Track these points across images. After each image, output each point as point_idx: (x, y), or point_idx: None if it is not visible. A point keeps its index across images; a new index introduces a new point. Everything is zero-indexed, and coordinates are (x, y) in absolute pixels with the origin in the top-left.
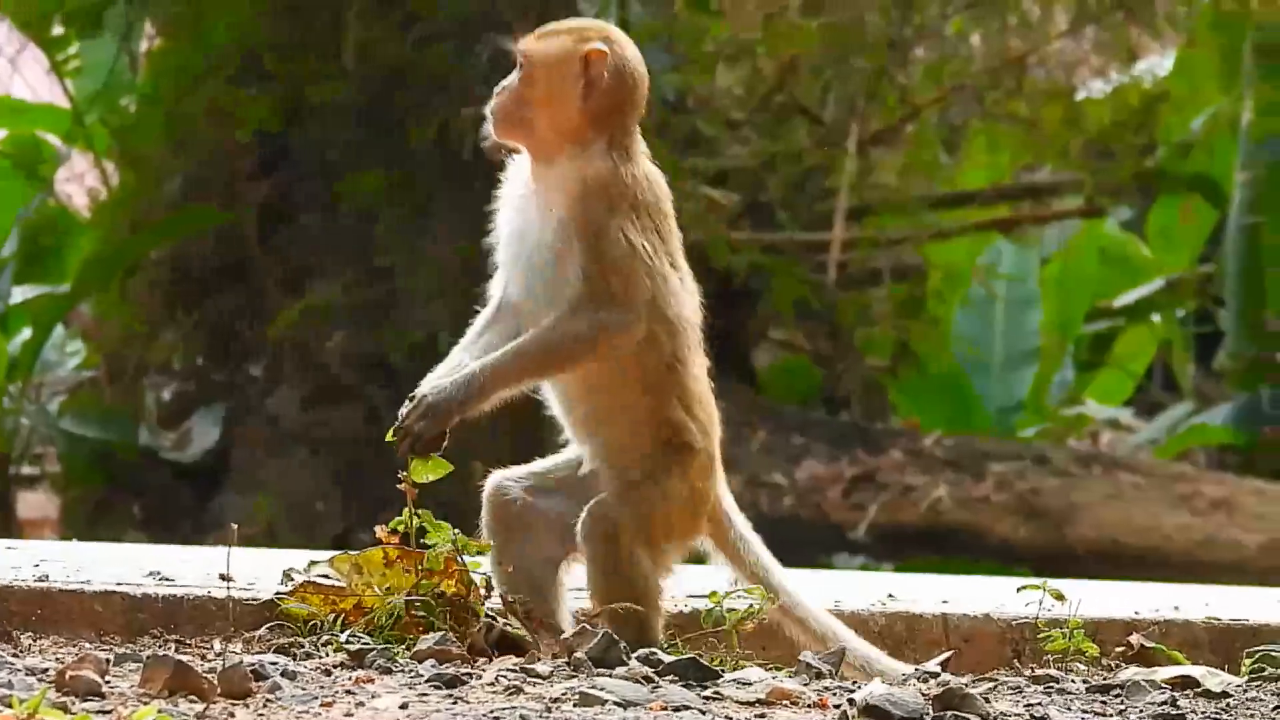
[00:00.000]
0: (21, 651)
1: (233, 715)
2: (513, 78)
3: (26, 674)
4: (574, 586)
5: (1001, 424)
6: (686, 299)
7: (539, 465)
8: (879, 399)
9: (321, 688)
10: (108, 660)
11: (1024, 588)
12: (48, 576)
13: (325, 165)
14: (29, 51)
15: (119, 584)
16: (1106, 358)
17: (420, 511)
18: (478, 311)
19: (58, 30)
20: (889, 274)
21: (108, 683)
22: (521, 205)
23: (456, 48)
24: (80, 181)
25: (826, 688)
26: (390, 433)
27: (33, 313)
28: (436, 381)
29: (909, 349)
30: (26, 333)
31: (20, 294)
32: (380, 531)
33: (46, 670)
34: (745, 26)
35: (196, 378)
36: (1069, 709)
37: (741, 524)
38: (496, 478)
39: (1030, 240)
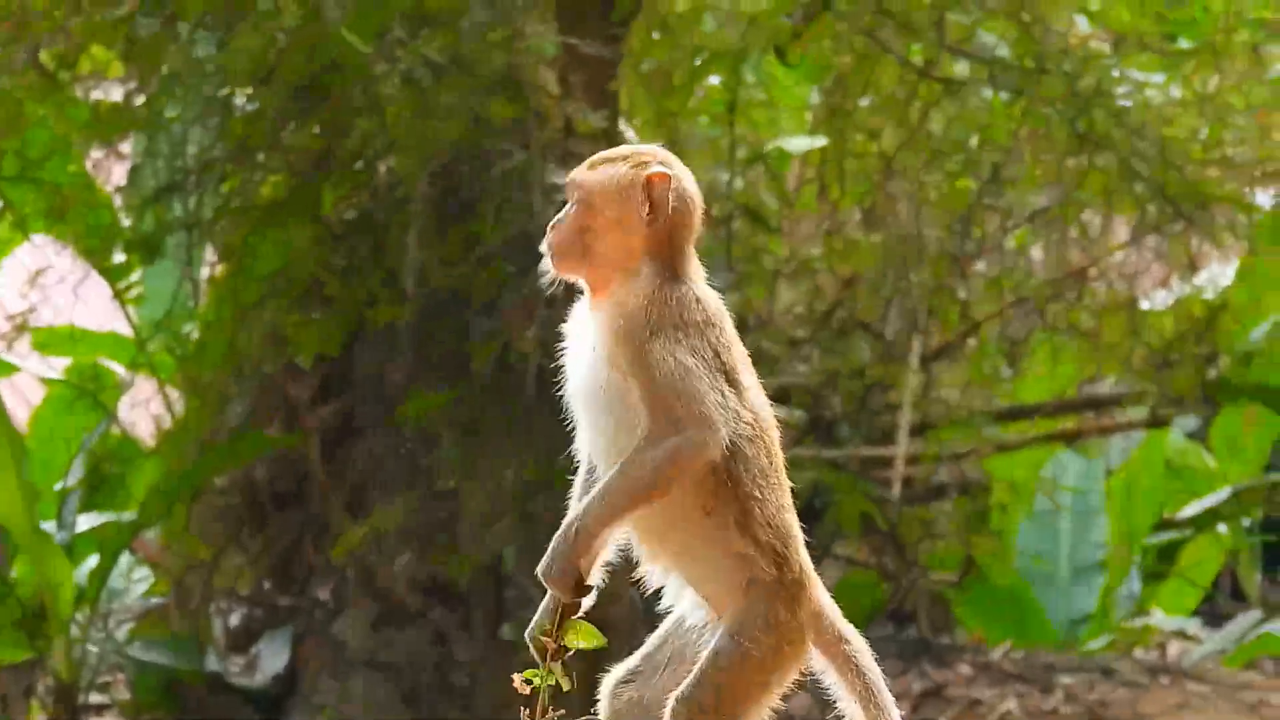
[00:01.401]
0: None
1: None
2: (567, 211)
3: None
4: None
5: (1068, 636)
6: (746, 413)
7: (649, 644)
8: (945, 613)
9: None
10: None
11: None
12: None
13: (385, 387)
14: (91, 279)
15: None
16: (1173, 569)
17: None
18: (540, 534)
19: (119, 258)
20: (953, 488)
21: None
22: (575, 350)
23: (517, 269)
24: (144, 408)
25: None
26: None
27: (99, 541)
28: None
29: (974, 563)
30: (93, 561)
31: (86, 522)
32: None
33: None
34: (804, 243)
35: (263, 602)
36: None
37: (851, 633)
38: (610, 679)
39: (1094, 452)
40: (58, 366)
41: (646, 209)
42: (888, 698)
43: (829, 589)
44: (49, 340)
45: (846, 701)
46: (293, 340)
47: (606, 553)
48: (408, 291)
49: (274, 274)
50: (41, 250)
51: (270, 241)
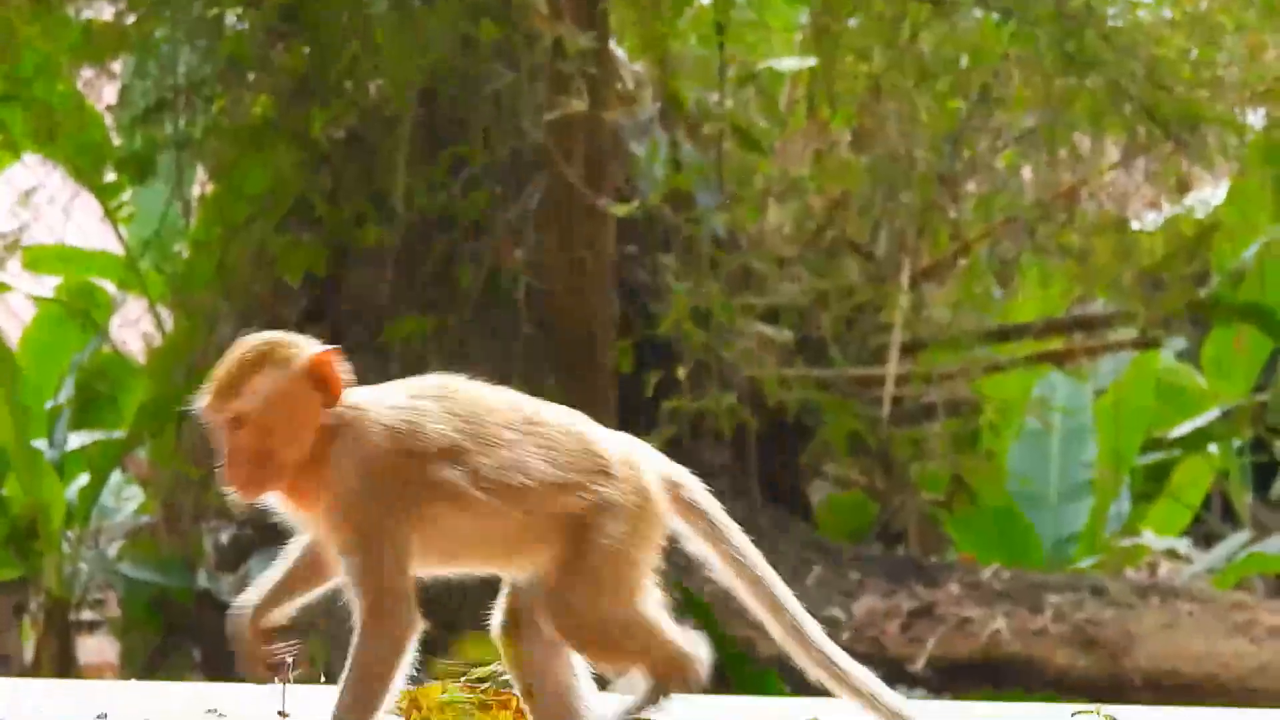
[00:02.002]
0: None
1: None
2: (230, 442)
3: None
4: None
5: (1058, 556)
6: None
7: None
8: (935, 533)
9: None
10: None
11: (1079, 713)
12: (106, 716)
13: (372, 309)
14: (82, 198)
15: None
16: (1163, 489)
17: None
18: None
19: (110, 177)
20: (942, 408)
21: None
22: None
23: (504, 191)
24: (135, 327)
25: None
26: None
27: (89, 459)
28: None
29: (964, 483)
30: (84, 479)
31: (76, 440)
32: (440, 667)
33: None
34: (794, 163)
35: (253, 522)
36: None
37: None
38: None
39: (1084, 373)
40: (49, 285)
41: (318, 399)
42: (765, 569)
43: (819, 507)
44: (40, 258)
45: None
46: (280, 260)
47: None
48: (395, 213)
49: (262, 194)
50: (32, 169)
51: (259, 162)
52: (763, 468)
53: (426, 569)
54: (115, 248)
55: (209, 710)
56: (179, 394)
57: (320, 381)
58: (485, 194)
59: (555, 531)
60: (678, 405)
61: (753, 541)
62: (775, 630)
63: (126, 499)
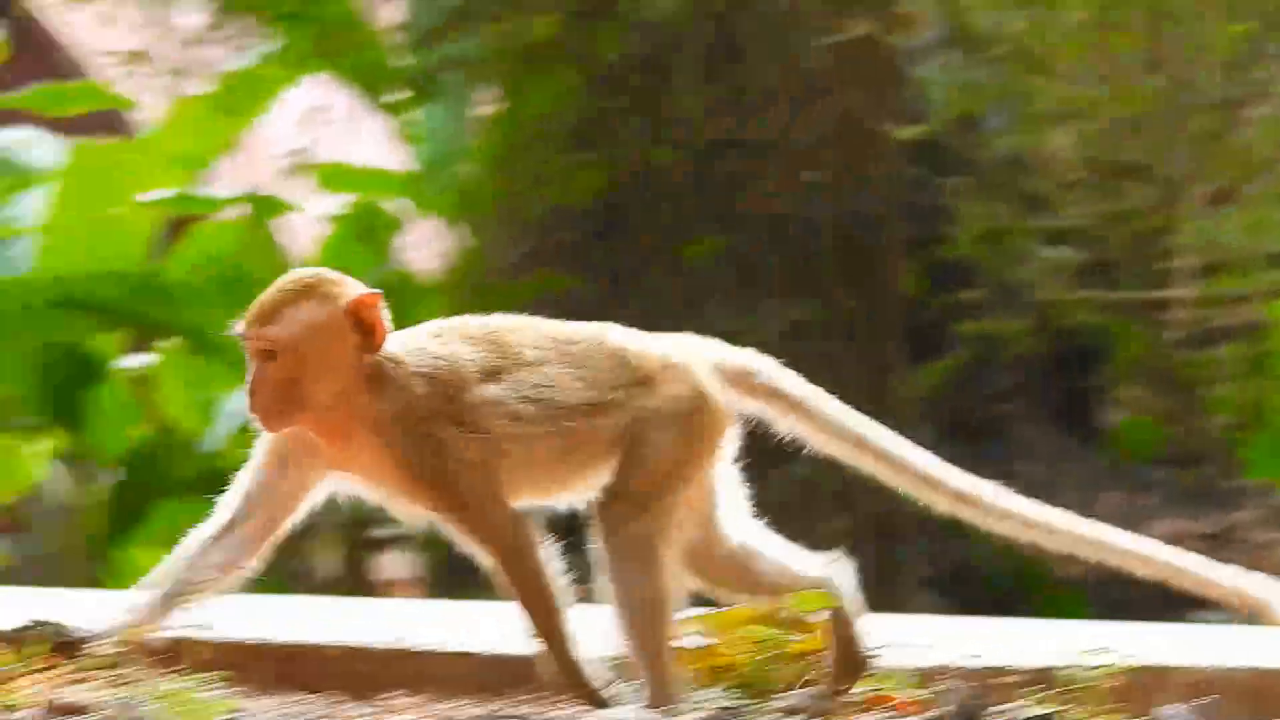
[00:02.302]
0: (380, 713)
1: None
2: (259, 369)
3: None
4: None
5: None
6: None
7: None
8: (1229, 457)
9: None
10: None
11: None
12: (403, 637)
13: (657, 232)
14: (370, 117)
15: (474, 645)
16: None
17: None
18: (820, 377)
19: (398, 95)
20: (1234, 332)
21: None
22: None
23: (789, 114)
24: (424, 247)
25: None
26: None
27: None
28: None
29: (1258, 406)
30: None
31: None
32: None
33: None
34: (1082, 85)
35: None
36: None
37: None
38: None
39: None
40: (337, 204)
41: (358, 340)
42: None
43: (1111, 431)
44: (328, 177)
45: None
46: (565, 182)
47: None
48: (681, 135)
49: (547, 115)
50: (320, 87)
51: (544, 83)
52: (1054, 392)
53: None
54: (403, 167)
55: (504, 632)
56: (467, 313)
57: (361, 324)
58: (770, 117)
59: (607, 453)
60: (967, 329)
61: (1044, 467)
62: (889, 476)
63: None
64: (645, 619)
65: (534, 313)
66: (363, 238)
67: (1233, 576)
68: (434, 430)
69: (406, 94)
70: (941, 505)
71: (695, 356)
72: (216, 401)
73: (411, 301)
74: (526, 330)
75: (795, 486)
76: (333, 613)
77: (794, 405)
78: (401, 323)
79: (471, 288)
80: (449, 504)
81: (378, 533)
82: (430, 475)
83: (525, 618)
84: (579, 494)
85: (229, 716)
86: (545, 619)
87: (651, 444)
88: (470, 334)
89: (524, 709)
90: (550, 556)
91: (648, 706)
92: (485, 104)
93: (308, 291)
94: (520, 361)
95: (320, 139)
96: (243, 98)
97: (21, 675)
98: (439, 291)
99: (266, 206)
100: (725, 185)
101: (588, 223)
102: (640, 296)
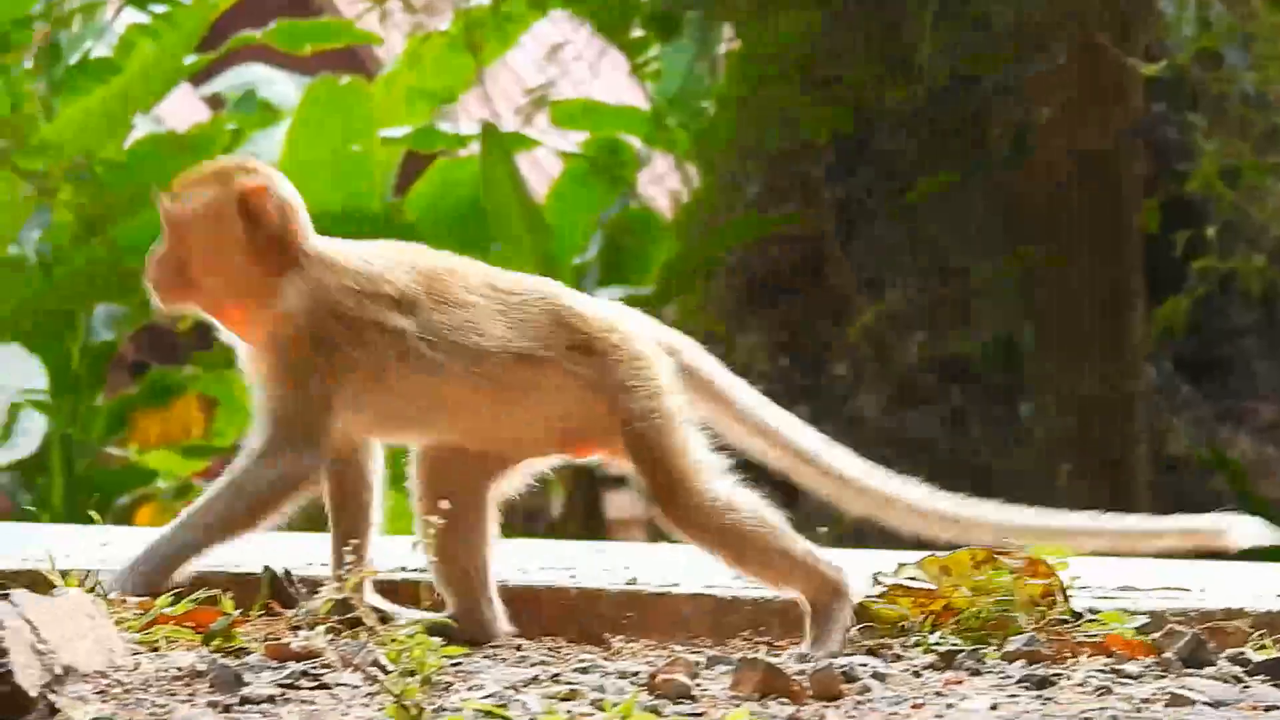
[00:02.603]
0: (612, 655)
1: (823, 717)
2: (160, 243)
3: (618, 677)
4: None
5: None
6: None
7: None
8: None
9: (911, 689)
10: (698, 663)
11: None
12: (636, 580)
13: (898, 167)
14: (609, 55)
15: (708, 586)
16: None
17: None
18: (1050, 312)
19: (637, 33)
20: None
21: (698, 685)
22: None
23: (1033, 48)
24: (661, 184)
25: None
26: None
27: None
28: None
29: None
30: None
31: (605, 296)
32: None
33: (637, 674)
34: None
35: (780, 379)
36: None
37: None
38: None
39: None
40: (575, 141)
41: (242, 228)
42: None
43: None
44: (567, 114)
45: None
46: (806, 119)
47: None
48: (919, 72)
49: (787, 52)
50: (560, 25)
51: (785, 20)
52: None
53: (384, 434)
54: (641, 104)
55: (739, 574)
56: (704, 251)
57: (248, 213)
58: (1010, 54)
59: (556, 411)
60: (1206, 265)
61: (1277, 406)
62: (803, 475)
63: None
64: (763, 551)
65: (768, 247)
66: (600, 174)
67: (1173, 521)
68: (317, 326)
69: (646, 32)
70: (856, 507)
71: (635, 326)
72: None
73: (649, 237)
74: (469, 274)
75: (1026, 432)
76: (565, 555)
77: (711, 393)
78: (639, 257)
79: (706, 224)
80: (278, 379)
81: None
82: (287, 349)
83: (202, 506)
84: (515, 445)
85: (458, 660)
86: (210, 525)
87: (646, 424)
88: (409, 263)
89: (761, 650)
90: (285, 496)
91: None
92: (724, 42)
93: (214, 176)
94: (444, 300)
95: (560, 76)
96: (484, 35)
97: (249, 620)
98: (675, 229)
99: (506, 142)
100: (961, 121)
101: (823, 160)
102: (872, 234)
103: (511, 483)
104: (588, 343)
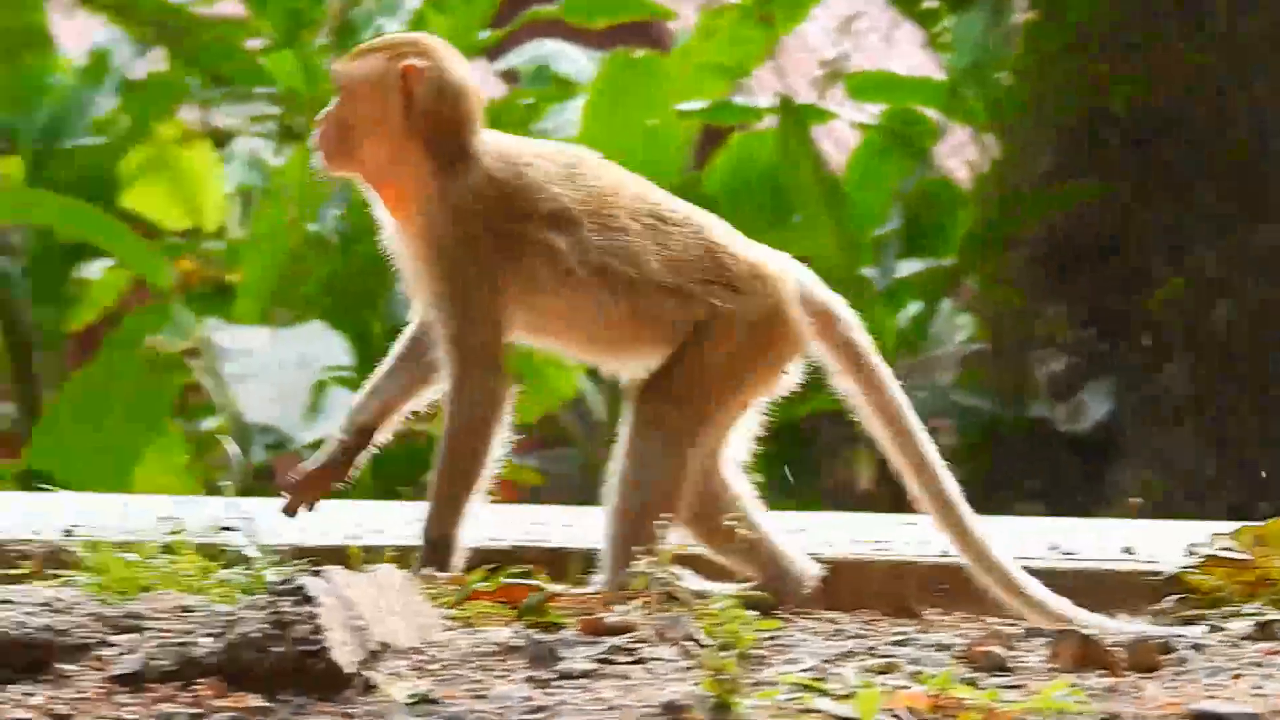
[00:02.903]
0: (926, 627)
1: (1141, 689)
2: (330, 107)
3: (935, 649)
4: None
5: None
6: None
7: None
8: None
9: (1229, 660)
10: (1014, 635)
11: None
12: (948, 552)
13: (1195, 137)
14: (904, 26)
15: (1021, 558)
16: None
17: None
18: None
19: (930, 3)
20: None
21: (1014, 657)
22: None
23: None
24: (959, 154)
25: None
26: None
27: (919, 286)
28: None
29: None
30: (914, 307)
31: (906, 268)
32: None
33: (952, 646)
34: None
35: (1084, 350)
36: None
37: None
38: None
39: None
40: (872, 113)
41: (401, 104)
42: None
43: None
44: (862, 86)
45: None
46: (1101, 90)
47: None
48: (1214, 37)
49: (1086, 20)
50: None
51: None
52: None
53: (520, 338)
54: (937, 74)
55: (1051, 546)
56: (1004, 220)
57: (408, 91)
58: None
59: (669, 337)
60: None
61: None
62: (914, 487)
63: (958, 327)
64: (639, 505)
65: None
66: (898, 145)
67: None
68: (475, 231)
69: (941, 2)
70: (936, 525)
71: (787, 275)
72: None
73: (948, 208)
74: (633, 195)
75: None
76: (875, 528)
77: (862, 368)
78: (939, 229)
79: (1003, 195)
80: (443, 299)
81: None
82: (448, 265)
83: (439, 459)
84: (628, 365)
85: (773, 634)
86: (453, 470)
87: (715, 344)
88: (573, 173)
89: None
90: (499, 414)
91: (597, 590)
92: (1018, 11)
93: (387, 48)
94: (603, 223)
95: (854, 48)
96: (780, 6)
97: (562, 595)
98: (974, 199)
99: (803, 115)
100: (1267, 90)
101: (1121, 130)
102: (1173, 205)
103: (735, 448)
104: (734, 281)
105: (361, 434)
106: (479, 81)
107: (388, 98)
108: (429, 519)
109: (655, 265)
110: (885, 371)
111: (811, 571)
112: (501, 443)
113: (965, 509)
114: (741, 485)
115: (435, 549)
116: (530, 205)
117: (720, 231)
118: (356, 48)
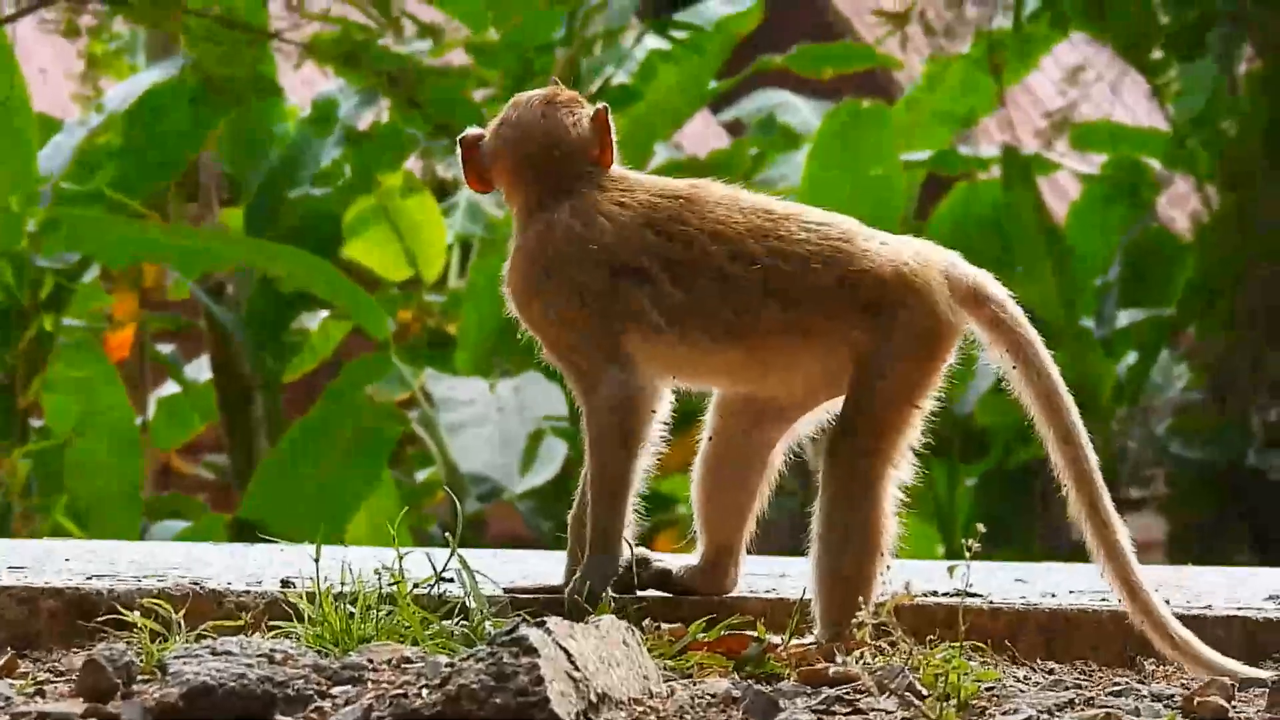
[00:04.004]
0: (1145, 677)
1: None
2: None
3: (1152, 700)
4: None
5: None
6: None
7: None
8: None
9: None
10: (1233, 685)
11: None
12: (1168, 602)
13: None
14: (1129, 76)
15: (1240, 608)
16: None
17: None
18: None
19: (1157, 54)
20: None
21: (1234, 708)
22: None
23: None
24: (1182, 204)
25: None
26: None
27: (1138, 336)
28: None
29: None
30: (1132, 356)
31: (1126, 317)
32: None
33: (1172, 696)
34: None
35: None
36: None
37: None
38: None
39: None
40: (1095, 163)
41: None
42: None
43: None
44: (1087, 136)
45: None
46: None
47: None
48: None
49: None
50: (1079, 47)
51: None
52: None
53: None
54: (1162, 125)
55: (1269, 596)
56: (1227, 270)
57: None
58: None
59: (825, 368)
60: None
61: None
62: (1058, 461)
63: (1175, 376)
64: (847, 553)
65: None
66: (1121, 195)
67: None
68: (564, 271)
69: (1168, 52)
70: (1073, 509)
71: (931, 267)
72: (972, 361)
73: (1170, 258)
74: (743, 226)
75: None
76: (1087, 579)
77: (1016, 344)
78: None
79: (1230, 246)
80: (556, 329)
81: (1131, 493)
82: (548, 297)
83: (587, 490)
84: (799, 400)
85: (994, 684)
86: (603, 495)
87: (884, 380)
88: (681, 212)
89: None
90: (642, 446)
91: (816, 641)
92: (1245, 61)
93: (561, 98)
94: (710, 267)
95: (1080, 98)
96: (1006, 57)
97: (781, 646)
98: (1197, 249)
99: (1027, 165)
100: None
101: None
102: None
103: (794, 437)
104: (876, 302)
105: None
106: (710, 135)
107: (498, 132)
108: (593, 546)
109: (775, 309)
110: (1038, 346)
111: (736, 580)
112: (645, 447)
113: (1107, 501)
114: (771, 475)
115: (599, 578)
116: (609, 256)
117: (856, 236)
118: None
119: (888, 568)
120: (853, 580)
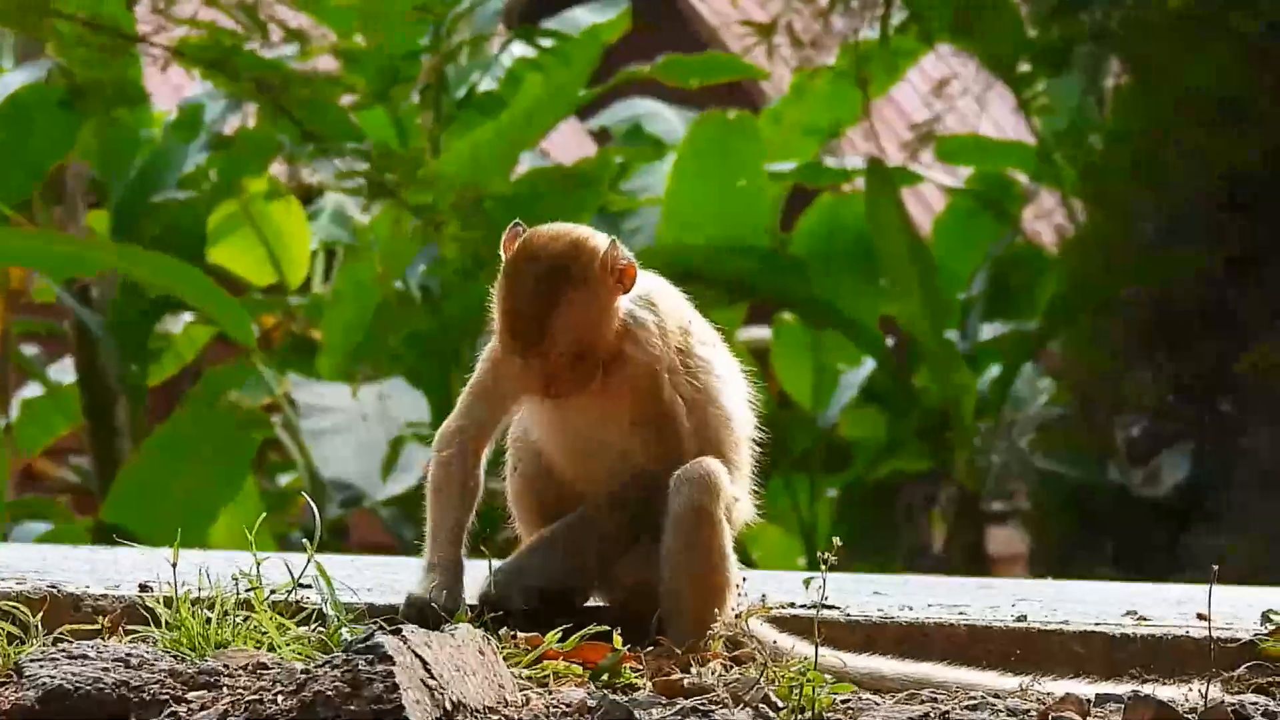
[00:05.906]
0: (1002, 692)
1: None
2: (545, 357)
3: (1008, 714)
4: None
5: None
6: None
7: None
8: None
9: None
10: (1088, 700)
11: None
12: (1025, 616)
13: None
14: (995, 89)
15: (1098, 623)
16: None
17: None
18: None
19: (1024, 68)
20: None
21: None
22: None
23: None
24: (1048, 219)
25: None
26: None
27: (1002, 350)
28: None
29: None
30: (995, 370)
31: (989, 331)
32: None
33: (1028, 711)
34: None
35: (1166, 415)
36: None
37: None
38: None
39: None
40: (961, 176)
41: (619, 286)
42: None
43: None
44: (953, 149)
45: None
46: (1202, 159)
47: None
48: None
49: (1187, 89)
50: (946, 60)
51: (1180, 57)
52: None
53: None
54: (1028, 139)
55: (1127, 611)
56: (1092, 286)
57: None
58: None
59: None
60: None
61: None
62: None
63: (1039, 390)
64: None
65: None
66: (987, 209)
67: None
68: (666, 381)
69: (1035, 66)
70: None
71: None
72: (835, 374)
73: (1035, 273)
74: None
75: None
76: (952, 591)
77: None
78: (1025, 293)
79: (1096, 262)
80: (663, 448)
81: (994, 506)
82: (657, 416)
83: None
84: None
85: (849, 697)
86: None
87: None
88: (667, 307)
89: (1151, 688)
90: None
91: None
92: (1115, 76)
93: (564, 248)
94: (692, 354)
95: (946, 111)
96: (872, 69)
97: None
98: (1062, 264)
99: (893, 178)
100: None
101: (1219, 200)
102: (1271, 273)
103: None
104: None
105: None
106: (576, 143)
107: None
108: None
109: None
110: None
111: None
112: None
113: None
114: None
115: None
116: (682, 331)
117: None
118: (519, 290)
119: (744, 579)
120: (707, 591)
